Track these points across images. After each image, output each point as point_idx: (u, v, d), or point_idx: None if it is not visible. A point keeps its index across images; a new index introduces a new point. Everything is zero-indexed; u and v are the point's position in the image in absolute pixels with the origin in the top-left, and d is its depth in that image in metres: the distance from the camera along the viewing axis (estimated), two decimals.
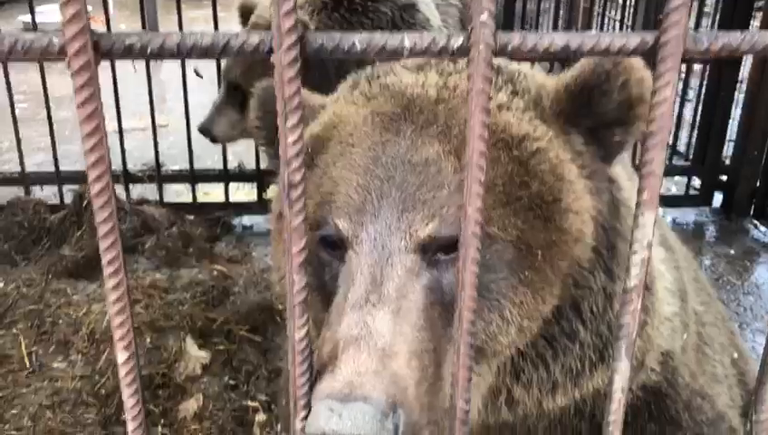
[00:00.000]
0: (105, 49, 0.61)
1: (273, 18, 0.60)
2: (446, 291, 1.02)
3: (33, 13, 3.91)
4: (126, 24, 9.31)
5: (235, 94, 3.19)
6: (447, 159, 1.04)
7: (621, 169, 1.26)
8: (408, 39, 0.63)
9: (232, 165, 4.19)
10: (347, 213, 1.06)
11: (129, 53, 0.62)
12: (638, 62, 1.08)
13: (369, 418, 0.85)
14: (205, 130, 3.41)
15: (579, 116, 1.12)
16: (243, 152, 4.37)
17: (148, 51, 0.61)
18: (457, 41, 0.63)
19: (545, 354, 1.18)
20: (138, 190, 4.00)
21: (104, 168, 0.65)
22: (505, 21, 4.25)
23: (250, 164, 4.23)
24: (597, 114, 1.12)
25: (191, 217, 3.93)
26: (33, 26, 3.98)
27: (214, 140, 3.47)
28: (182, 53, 0.63)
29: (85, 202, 3.46)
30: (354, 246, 1.05)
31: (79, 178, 3.89)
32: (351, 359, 0.93)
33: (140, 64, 4.08)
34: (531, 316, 1.10)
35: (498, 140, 1.07)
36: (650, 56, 0.65)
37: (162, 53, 0.61)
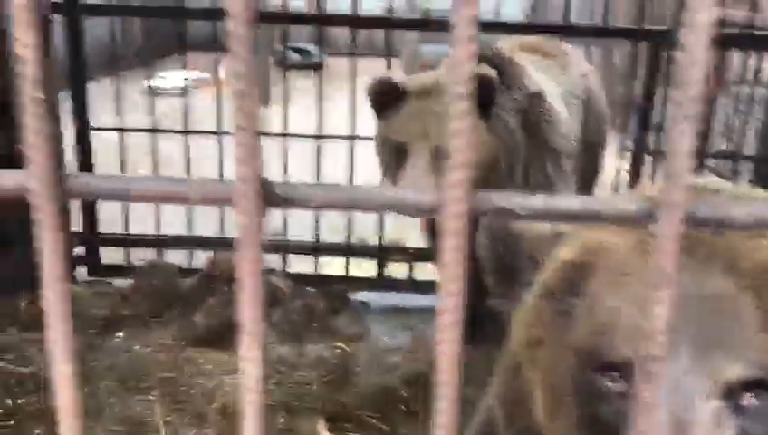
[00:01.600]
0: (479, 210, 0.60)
1: (664, 191, 0.57)
2: None
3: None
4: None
5: (442, 159, 3.03)
6: (744, 294, 0.98)
7: None
8: None
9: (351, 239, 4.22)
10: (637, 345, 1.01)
11: (503, 213, 0.60)
12: None
13: None
14: None
15: None
16: (362, 230, 4.43)
17: (523, 213, 0.59)
18: None
19: None
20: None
21: (457, 332, 0.62)
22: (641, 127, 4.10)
23: (371, 239, 4.27)
24: None
25: (311, 290, 3.95)
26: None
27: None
28: (549, 215, 0.61)
29: (219, 270, 3.54)
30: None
31: (210, 242, 4.01)
32: None
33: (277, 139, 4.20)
34: None
35: None
36: None
37: (544, 217, 0.59)
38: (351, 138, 3.99)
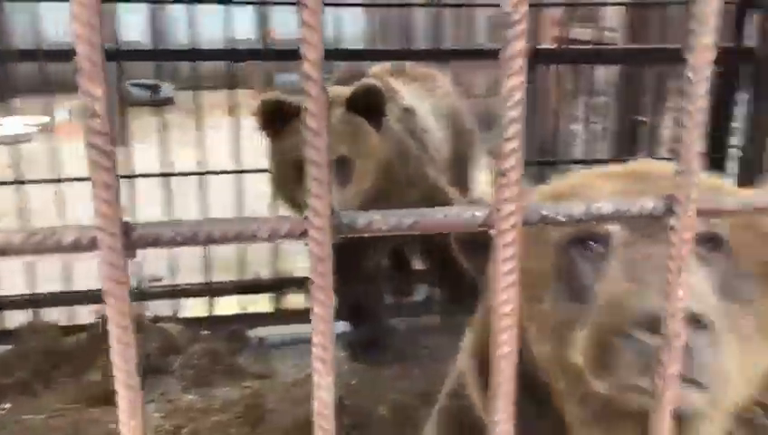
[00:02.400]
0: (528, 221, 0.66)
1: (680, 188, 0.66)
2: None
3: None
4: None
5: (342, 169, 3.03)
6: None
7: None
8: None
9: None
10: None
11: (549, 222, 0.67)
12: None
13: None
14: None
15: None
16: (256, 262, 4.38)
17: (565, 220, 0.66)
18: None
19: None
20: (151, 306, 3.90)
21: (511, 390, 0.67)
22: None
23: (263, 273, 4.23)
24: None
25: (207, 332, 3.84)
26: None
27: None
28: (587, 219, 0.68)
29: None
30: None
31: (92, 297, 3.78)
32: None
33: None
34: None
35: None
36: None
37: (583, 221, 0.66)
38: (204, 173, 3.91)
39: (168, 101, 13.62)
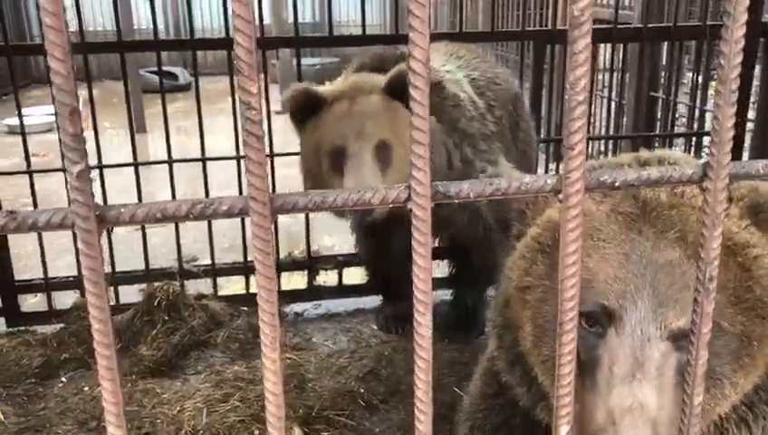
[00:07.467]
0: (590, 188, 0.79)
1: (713, 157, 0.80)
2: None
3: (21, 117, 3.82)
4: (109, 121, 9.47)
5: (383, 154, 3.08)
6: (689, 262, 1.28)
7: None
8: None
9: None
10: (611, 298, 1.26)
11: (607, 187, 0.81)
12: None
13: None
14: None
15: None
16: (289, 243, 4.54)
17: (620, 185, 0.80)
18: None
19: (747, 417, 1.41)
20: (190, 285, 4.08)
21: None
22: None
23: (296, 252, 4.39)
24: None
25: (245, 308, 4.00)
26: (22, 129, 3.81)
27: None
28: (638, 185, 0.82)
29: (156, 300, 3.54)
30: (617, 328, 1.24)
31: (131, 278, 3.97)
32: (630, 428, 1.12)
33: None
34: (740, 392, 1.35)
35: (724, 247, 1.28)
36: None
37: (634, 186, 0.80)
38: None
39: (185, 88, 13.87)
